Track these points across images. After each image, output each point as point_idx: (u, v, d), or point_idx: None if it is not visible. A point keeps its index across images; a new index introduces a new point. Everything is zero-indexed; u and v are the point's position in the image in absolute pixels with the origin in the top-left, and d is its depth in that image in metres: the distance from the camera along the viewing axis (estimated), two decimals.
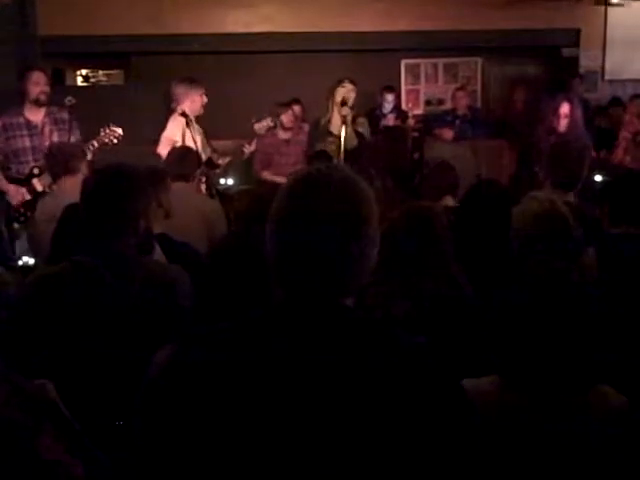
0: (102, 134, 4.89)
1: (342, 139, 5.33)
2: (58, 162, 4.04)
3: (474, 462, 1.26)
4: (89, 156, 4.68)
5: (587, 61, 8.34)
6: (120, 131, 4.95)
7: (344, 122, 5.36)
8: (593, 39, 8.30)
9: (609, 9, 8.21)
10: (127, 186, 2.26)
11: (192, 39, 7.68)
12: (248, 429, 1.22)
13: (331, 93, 5.58)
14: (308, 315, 1.28)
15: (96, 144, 4.84)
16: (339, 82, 5.57)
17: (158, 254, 2.87)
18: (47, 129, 4.97)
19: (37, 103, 4.96)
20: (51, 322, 2.18)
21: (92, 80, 8.52)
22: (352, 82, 5.61)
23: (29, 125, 4.95)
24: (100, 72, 8.57)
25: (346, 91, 5.48)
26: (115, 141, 4.90)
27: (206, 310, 2.03)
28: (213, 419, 1.24)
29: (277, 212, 1.32)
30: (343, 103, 5.41)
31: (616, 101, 7.30)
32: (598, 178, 5.09)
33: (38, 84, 4.95)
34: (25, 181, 4.83)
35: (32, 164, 4.85)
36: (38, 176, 4.80)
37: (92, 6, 7.34)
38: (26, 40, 6.56)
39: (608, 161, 5.93)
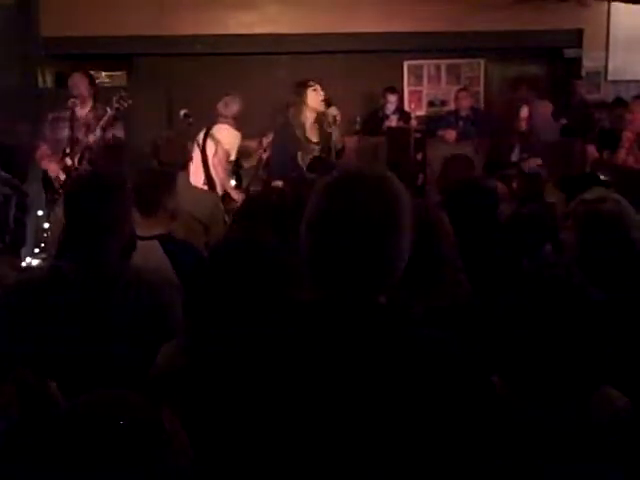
0: (114, 101, 5.18)
1: (332, 141, 5.00)
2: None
3: (495, 460, 1.27)
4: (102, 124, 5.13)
5: (590, 62, 8.33)
6: (126, 96, 5.26)
7: (333, 123, 5.00)
8: (596, 40, 8.29)
9: (612, 10, 8.20)
10: (105, 192, 2.28)
11: (194, 40, 7.69)
12: (282, 427, 1.24)
13: (301, 98, 5.06)
14: (344, 314, 1.29)
15: (110, 110, 5.16)
16: (304, 86, 5.06)
17: (160, 255, 2.88)
18: (89, 124, 5.31)
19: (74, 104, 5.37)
20: (30, 327, 2.17)
21: (95, 82, 8.52)
22: (318, 82, 5.11)
23: (73, 118, 5.31)
24: (103, 73, 8.57)
25: (318, 94, 5.02)
26: (126, 105, 5.18)
27: (212, 308, 2.05)
28: (251, 418, 1.26)
29: (312, 212, 1.33)
30: (329, 104, 5.03)
31: (619, 101, 7.29)
32: (601, 179, 5.07)
33: (72, 84, 5.44)
34: (61, 161, 5.17)
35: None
36: (69, 154, 5.15)
37: (95, 8, 7.35)
38: (29, 41, 6.57)
39: (611, 162, 5.92)
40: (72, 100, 5.24)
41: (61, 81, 8.33)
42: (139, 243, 2.67)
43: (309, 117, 5.05)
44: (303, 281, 1.38)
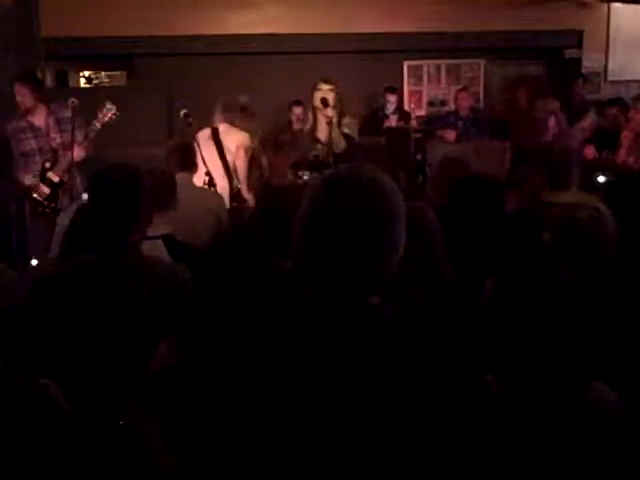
0: (100, 115, 5.03)
1: (333, 144, 5.05)
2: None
3: (492, 458, 1.27)
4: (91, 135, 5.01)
5: (590, 62, 8.35)
6: (114, 107, 5.08)
7: (329, 124, 5.05)
8: (596, 40, 8.30)
9: (612, 10, 8.21)
10: (132, 184, 2.29)
11: (194, 40, 7.70)
12: (276, 425, 1.24)
13: (310, 98, 5.24)
14: (334, 315, 1.29)
15: (98, 125, 5.02)
16: (314, 86, 5.18)
17: (163, 255, 2.89)
18: (51, 130, 5.19)
19: (21, 111, 5.19)
20: (55, 322, 2.18)
21: (95, 82, 8.54)
22: (328, 82, 5.25)
23: (32, 127, 5.18)
24: (103, 74, 8.59)
25: (323, 93, 5.09)
26: (114, 118, 5.03)
27: (206, 305, 2.06)
28: (243, 416, 1.26)
29: (306, 212, 1.33)
30: (325, 105, 5.06)
31: (618, 101, 7.29)
32: (601, 179, 5.08)
33: (17, 95, 5.19)
34: (41, 177, 5.09)
35: (40, 163, 5.11)
36: (51, 169, 5.07)
37: (95, 8, 7.36)
38: (29, 42, 6.57)
39: (611, 162, 5.92)
40: (71, 100, 5.19)
41: (61, 81, 8.36)
42: (144, 242, 2.69)
43: (319, 117, 5.15)
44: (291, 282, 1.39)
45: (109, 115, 5.03)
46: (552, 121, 6.45)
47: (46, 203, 5.06)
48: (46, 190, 5.05)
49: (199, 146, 4.89)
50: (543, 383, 1.67)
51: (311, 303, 1.32)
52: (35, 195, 5.08)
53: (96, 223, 2.29)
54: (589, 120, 6.70)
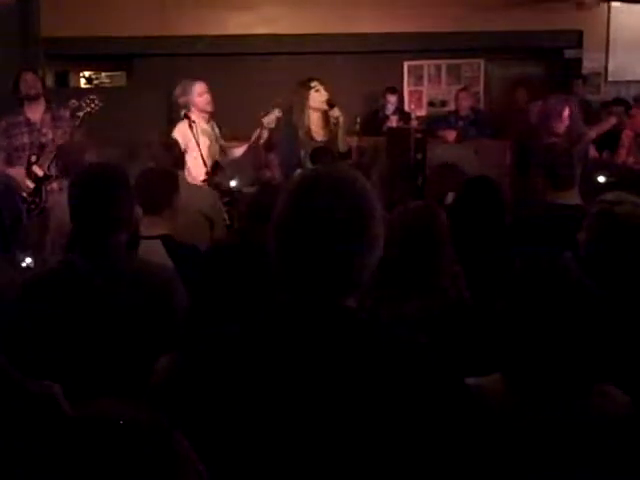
0: (84, 104, 5.09)
1: (337, 143, 4.99)
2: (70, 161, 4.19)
3: (478, 458, 1.26)
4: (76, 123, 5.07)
5: (590, 63, 8.34)
6: (97, 98, 5.16)
7: (336, 124, 4.98)
8: (596, 41, 8.30)
9: (612, 10, 8.21)
10: (114, 184, 2.27)
11: (194, 41, 7.69)
12: (256, 429, 1.24)
13: (303, 98, 5.05)
14: (310, 318, 1.29)
15: (81, 114, 5.08)
16: (308, 86, 5.03)
17: (162, 255, 2.88)
18: (46, 126, 5.20)
19: (28, 98, 5.21)
20: (42, 323, 2.18)
21: (95, 82, 8.52)
22: (322, 82, 5.06)
23: (28, 123, 5.20)
24: (103, 74, 8.57)
25: (321, 94, 4.99)
26: (97, 108, 5.10)
27: (206, 310, 2.05)
28: (222, 421, 1.26)
29: (279, 213, 1.32)
30: (331, 105, 4.97)
31: (619, 101, 7.28)
32: (601, 179, 5.07)
33: (26, 81, 5.22)
34: (27, 171, 5.06)
35: (27, 158, 5.11)
36: (36, 163, 5.06)
37: (94, 8, 7.35)
38: (29, 42, 6.58)
39: (611, 162, 5.91)
40: (72, 101, 5.20)
41: (61, 81, 8.35)
42: (142, 242, 2.68)
43: (313, 117, 5.02)
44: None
45: (92, 105, 5.07)
46: (566, 111, 6.14)
47: (30, 199, 4.99)
48: (30, 185, 5.01)
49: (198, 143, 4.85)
50: (549, 383, 1.67)
51: (285, 305, 1.32)
52: (22, 191, 4.98)
53: (78, 223, 2.27)
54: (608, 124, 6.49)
